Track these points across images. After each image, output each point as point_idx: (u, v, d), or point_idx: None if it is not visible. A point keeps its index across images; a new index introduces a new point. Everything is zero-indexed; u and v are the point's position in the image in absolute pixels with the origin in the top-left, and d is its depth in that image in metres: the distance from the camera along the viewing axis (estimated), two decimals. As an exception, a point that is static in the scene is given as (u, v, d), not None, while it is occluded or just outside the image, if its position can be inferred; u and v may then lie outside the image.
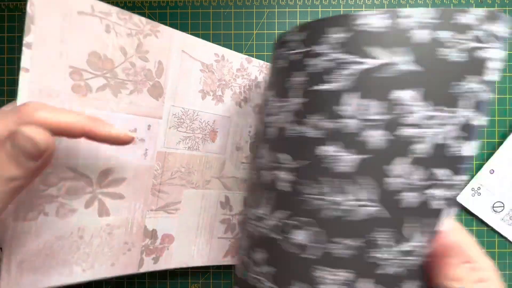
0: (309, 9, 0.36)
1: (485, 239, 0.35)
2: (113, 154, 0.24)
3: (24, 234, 0.21)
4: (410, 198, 0.17)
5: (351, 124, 0.18)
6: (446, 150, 0.17)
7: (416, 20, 0.17)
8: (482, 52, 0.16)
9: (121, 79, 0.23)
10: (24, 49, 0.20)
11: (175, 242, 0.29)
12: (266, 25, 0.36)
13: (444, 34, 0.16)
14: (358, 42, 0.18)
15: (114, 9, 0.22)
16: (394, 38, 0.17)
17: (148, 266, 0.28)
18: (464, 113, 0.16)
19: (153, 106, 0.25)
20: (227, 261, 0.33)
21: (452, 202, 0.17)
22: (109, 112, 0.23)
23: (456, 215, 0.35)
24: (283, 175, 0.20)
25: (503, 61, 0.17)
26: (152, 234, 0.27)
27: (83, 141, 0.21)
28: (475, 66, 0.16)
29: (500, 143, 0.34)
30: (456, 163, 0.17)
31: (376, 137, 0.17)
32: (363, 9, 0.35)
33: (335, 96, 0.18)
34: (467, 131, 0.17)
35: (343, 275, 0.17)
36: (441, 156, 0.17)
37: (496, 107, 0.35)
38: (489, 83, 0.16)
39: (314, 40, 0.19)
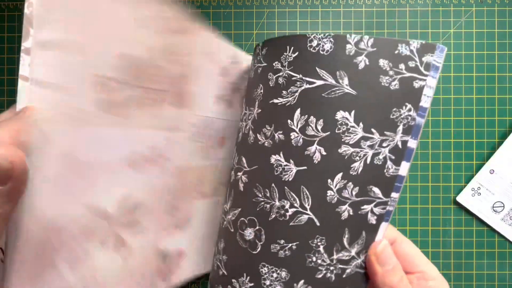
0: (309, 9, 0.36)
1: (485, 239, 0.35)
2: (131, 177, 0.22)
3: None
4: (346, 211, 0.19)
5: (293, 137, 0.19)
6: (380, 170, 0.18)
7: (361, 47, 0.18)
8: (419, 81, 0.18)
9: (145, 88, 0.21)
10: (22, 55, 0.16)
11: (186, 256, 0.28)
12: (266, 25, 0.36)
13: (385, 63, 0.18)
14: (305, 62, 0.19)
15: None
16: (337, 61, 0.18)
17: (160, 286, 0.26)
18: (400, 137, 0.18)
19: (174, 118, 0.24)
20: None
21: (387, 216, 0.19)
22: (130, 130, 0.21)
23: (457, 215, 0.35)
24: (241, 176, 0.22)
25: (434, 89, 0.18)
26: (165, 254, 0.26)
27: (101, 168, 0.20)
28: (413, 93, 0.18)
29: (500, 143, 0.34)
30: (390, 182, 0.18)
31: (312, 152, 0.19)
32: (363, 9, 0.35)
33: (283, 110, 0.20)
34: (401, 153, 0.18)
35: (285, 274, 0.19)
36: (375, 175, 0.18)
37: (496, 107, 0.35)
38: (423, 109, 0.18)
39: (271, 57, 0.21)
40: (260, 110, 0.21)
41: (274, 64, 0.21)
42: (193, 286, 0.36)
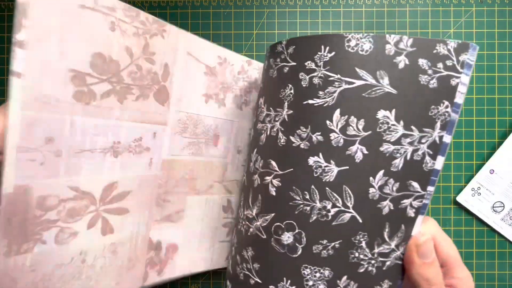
0: (309, 9, 0.36)
1: (485, 239, 0.35)
2: (117, 166, 0.22)
3: (18, 269, 0.18)
4: (387, 206, 0.19)
5: (333, 138, 0.19)
6: (419, 165, 0.19)
7: (400, 47, 0.18)
8: (455, 79, 0.18)
9: (127, 84, 0.22)
10: (15, 49, 0.16)
11: (179, 251, 0.29)
12: (266, 25, 0.36)
13: (424, 62, 0.18)
14: (343, 62, 0.19)
15: (119, 4, 0.20)
16: (377, 61, 0.19)
17: (153, 278, 0.27)
18: (437, 133, 0.19)
19: (159, 112, 0.24)
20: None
21: (423, 209, 0.19)
22: (114, 121, 0.21)
23: (457, 215, 0.35)
24: (270, 180, 0.22)
25: (467, 86, 0.19)
26: (157, 246, 0.27)
27: (85, 155, 0.20)
28: (449, 91, 0.18)
29: (500, 143, 0.34)
30: (427, 176, 0.19)
31: (354, 151, 0.19)
32: (363, 9, 0.35)
33: (320, 111, 0.20)
34: (438, 148, 0.19)
35: (328, 272, 0.20)
36: (415, 171, 0.19)
37: (496, 107, 0.35)
38: (457, 105, 0.18)
39: (302, 56, 0.21)
40: (291, 111, 0.21)
41: (306, 63, 0.20)
42: (194, 286, 0.36)
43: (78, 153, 0.20)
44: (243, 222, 0.24)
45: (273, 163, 0.22)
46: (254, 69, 0.31)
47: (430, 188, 0.19)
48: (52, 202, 0.19)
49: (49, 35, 0.18)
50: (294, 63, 0.21)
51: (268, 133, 0.22)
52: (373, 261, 0.19)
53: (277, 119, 0.22)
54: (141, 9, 0.35)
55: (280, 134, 0.21)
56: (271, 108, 0.23)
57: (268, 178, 0.22)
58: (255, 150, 0.24)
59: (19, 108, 0.17)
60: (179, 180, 0.27)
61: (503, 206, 0.34)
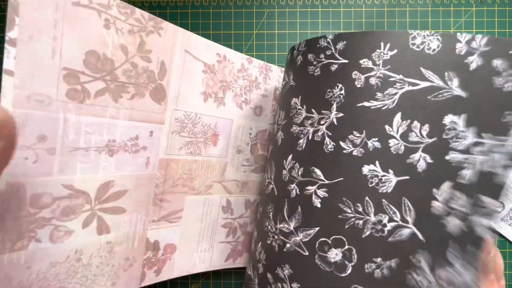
0: (309, 9, 0.36)
1: (485, 239, 0.35)
2: (113, 165, 0.22)
3: (12, 266, 0.18)
4: (452, 223, 0.17)
5: (392, 144, 0.17)
6: (491, 178, 0.16)
7: (473, 46, 0.17)
8: None
9: (122, 82, 0.22)
10: (7, 47, 0.16)
11: (178, 251, 0.28)
12: (266, 25, 0.36)
13: (499, 63, 0.17)
14: (407, 62, 0.17)
15: (114, 1, 0.20)
16: (446, 61, 0.17)
17: (150, 279, 0.27)
18: (511, 142, 0.16)
19: (156, 111, 0.24)
20: (229, 264, 0.33)
21: (492, 228, 0.17)
22: (108, 119, 0.21)
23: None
24: (314, 190, 0.20)
25: None
26: (154, 246, 0.26)
27: (79, 154, 0.20)
28: None
29: (500, 143, 0.34)
30: (499, 191, 0.16)
31: (416, 160, 0.17)
32: (363, 9, 0.35)
33: (378, 115, 0.18)
34: (510, 159, 0.16)
35: None
36: (486, 184, 0.16)
37: (496, 107, 0.35)
38: None
39: (356, 53, 0.19)
40: (341, 114, 0.19)
41: (362, 61, 0.19)
42: (193, 286, 0.36)
43: (72, 151, 0.20)
44: (276, 237, 0.22)
45: (318, 171, 0.20)
46: (255, 67, 0.31)
47: (501, 204, 0.17)
48: (46, 200, 0.19)
49: (42, 33, 0.18)
50: (346, 61, 0.19)
51: (310, 137, 0.20)
52: (434, 285, 0.17)
53: (322, 122, 0.20)
54: (141, 9, 0.35)
55: (327, 139, 0.19)
56: (313, 110, 0.20)
57: (311, 188, 0.20)
58: (291, 156, 0.22)
59: (11, 106, 0.17)
60: (177, 179, 0.27)
61: (503, 206, 0.34)
